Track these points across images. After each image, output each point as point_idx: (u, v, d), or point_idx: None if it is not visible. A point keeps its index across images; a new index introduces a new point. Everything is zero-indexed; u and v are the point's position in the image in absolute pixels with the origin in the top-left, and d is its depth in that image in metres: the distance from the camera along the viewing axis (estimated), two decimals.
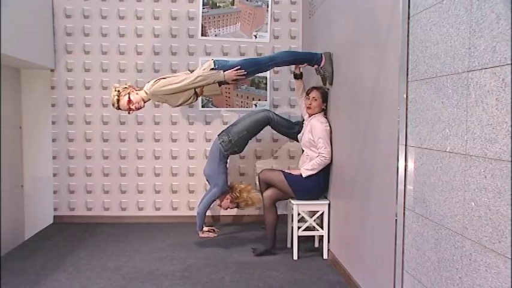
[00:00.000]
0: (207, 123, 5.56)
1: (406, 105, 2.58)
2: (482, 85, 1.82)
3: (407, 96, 2.57)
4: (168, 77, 4.08)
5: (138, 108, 4.05)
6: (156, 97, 4.03)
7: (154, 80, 4.05)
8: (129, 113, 4.09)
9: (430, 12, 2.29)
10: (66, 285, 3.56)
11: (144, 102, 4.07)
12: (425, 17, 2.34)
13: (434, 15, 2.24)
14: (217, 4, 5.55)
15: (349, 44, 3.69)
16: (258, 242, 4.60)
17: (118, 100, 3.98)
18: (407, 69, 2.57)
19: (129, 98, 3.97)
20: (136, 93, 4.03)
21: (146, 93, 4.02)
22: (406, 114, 2.57)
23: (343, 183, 3.80)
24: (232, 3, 5.57)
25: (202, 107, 5.54)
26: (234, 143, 4.68)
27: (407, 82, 2.57)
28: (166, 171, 5.58)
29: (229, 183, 4.82)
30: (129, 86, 4.07)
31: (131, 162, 5.56)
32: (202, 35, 5.55)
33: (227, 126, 4.98)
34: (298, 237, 4.13)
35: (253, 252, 4.27)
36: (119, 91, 3.99)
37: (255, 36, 5.58)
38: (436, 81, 2.22)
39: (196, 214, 4.83)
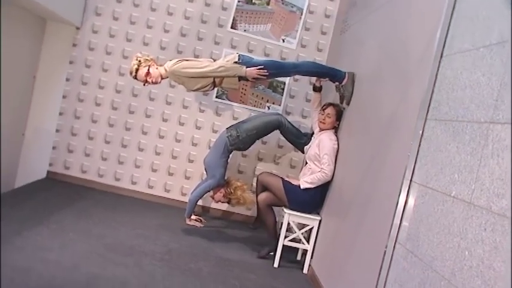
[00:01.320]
0: (218, 114, 5.57)
1: (420, 141, 2.58)
2: (501, 139, 1.83)
3: (422, 133, 2.58)
4: (191, 61, 4.10)
5: (154, 83, 4.08)
6: (174, 77, 4.05)
7: (177, 60, 4.07)
8: (144, 84, 4.12)
9: (464, 56, 2.30)
10: (47, 241, 3.56)
11: (162, 78, 4.10)
12: (458, 60, 2.35)
13: (468, 60, 2.25)
14: (253, 1, 5.56)
15: (374, 69, 3.69)
16: (243, 242, 4.61)
17: (137, 70, 4.02)
18: (429, 106, 2.58)
19: (148, 70, 4.00)
20: (156, 68, 4.06)
21: (166, 70, 4.05)
22: (418, 150, 2.58)
23: (339, 204, 3.80)
24: (268, 3, 5.57)
25: (216, 97, 5.54)
26: (241, 140, 4.68)
27: (425, 119, 2.58)
28: (167, 152, 5.58)
29: (226, 178, 4.81)
30: (151, 59, 4.10)
31: (135, 136, 5.56)
32: (231, 27, 5.55)
33: (237, 121, 4.97)
34: (283, 246, 4.13)
35: (258, 255, 4.29)
36: (140, 61, 4.03)
37: (283, 40, 5.58)
38: (455, 125, 2.22)
39: (187, 201, 4.83)
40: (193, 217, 4.78)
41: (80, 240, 3.75)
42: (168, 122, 5.56)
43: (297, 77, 5.43)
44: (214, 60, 4.18)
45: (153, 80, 4.07)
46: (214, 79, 4.06)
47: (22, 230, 3.65)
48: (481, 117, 2.02)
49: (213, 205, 5.50)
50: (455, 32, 2.46)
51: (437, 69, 2.57)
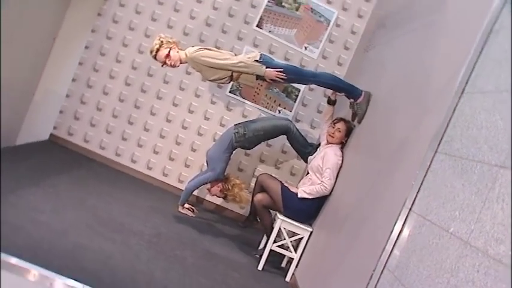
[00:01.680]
0: (228, 109, 5.57)
1: (426, 172, 2.58)
2: (510, 185, 1.83)
3: (430, 165, 2.58)
4: (213, 51, 4.11)
5: (172, 66, 4.11)
6: (193, 63, 4.07)
7: (199, 47, 4.09)
8: (162, 66, 4.16)
9: (485, 97, 2.30)
10: (40, 203, 3.56)
11: (181, 63, 4.13)
12: (478, 99, 2.35)
13: (488, 101, 2.25)
14: (283, 3, 5.56)
15: (392, 93, 3.69)
16: (231, 239, 4.62)
17: (158, 50, 4.05)
18: (441, 140, 2.58)
19: (168, 52, 4.04)
20: (177, 52, 4.09)
21: (186, 55, 4.07)
22: (423, 181, 2.58)
23: (333, 219, 3.81)
24: (297, 9, 5.57)
25: (230, 92, 5.55)
26: (247, 138, 4.68)
27: (436, 151, 2.58)
28: (171, 136, 5.58)
29: (226, 174, 4.82)
30: (174, 42, 4.13)
31: (143, 115, 5.56)
32: (257, 26, 5.55)
33: (246, 119, 4.98)
34: (270, 250, 4.14)
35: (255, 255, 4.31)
36: (162, 41, 4.06)
37: (305, 48, 5.58)
38: (465, 163, 2.22)
39: (184, 188, 4.83)
40: (186, 205, 4.79)
41: (72, 207, 3.76)
42: (178, 108, 5.57)
43: (312, 86, 5.43)
44: (235, 55, 4.20)
45: (172, 63, 4.09)
46: (232, 73, 4.07)
47: (17, 188, 3.66)
48: (492, 159, 2.02)
49: (208, 197, 5.51)
50: (480, 72, 2.46)
51: (456, 105, 2.56)
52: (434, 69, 3.07)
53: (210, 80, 4.18)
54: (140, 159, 5.60)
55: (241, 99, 5.56)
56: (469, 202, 2.05)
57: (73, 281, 2.48)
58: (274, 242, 4.13)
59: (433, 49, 3.26)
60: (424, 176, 2.58)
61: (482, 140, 2.17)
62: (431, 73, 3.09)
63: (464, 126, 2.38)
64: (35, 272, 2.46)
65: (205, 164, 5.05)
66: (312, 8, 5.57)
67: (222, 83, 4.26)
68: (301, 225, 4.11)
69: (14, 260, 2.44)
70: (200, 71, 4.14)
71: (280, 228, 4.11)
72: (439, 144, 2.58)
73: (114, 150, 5.58)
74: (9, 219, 3.05)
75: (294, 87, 5.52)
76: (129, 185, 5.13)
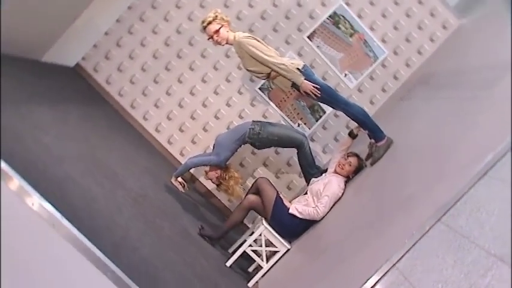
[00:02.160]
0: (252, 104, 5.58)
1: (422, 236, 2.58)
2: (502, 279, 1.84)
3: (428, 231, 2.58)
4: (261, 43, 4.11)
5: (217, 42, 4.15)
6: (238, 48, 4.08)
7: (249, 35, 4.10)
8: (208, 39, 4.19)
9: (504, 186, 2.30)
10: (47, 124, 3.57)
11: (226, 43, 4.16)
12: (497, 186, 2.35)
13: (506, 192, 2.25)
14: (340, 25, 5.57)
15: (412, 150, 3.70)
16: (211, 227, 4.62)
17: (210, 22, 4.08)
18: (447, 211, 2.58)
19: (219, 28, 4.06)
20: (227, 31, 4.12)
21: (234, 38, 4.09)
22: (416, 243, 2.58)
23: (313, 246, 3.82)
24: (351, 36, 5.57)
25: (259, 88, 5.56)
26: (260, 138, 4.67)
27: (438, 220, 2.57)
28: (189, 109, 5.59)
29: (227, 163, 4.82)
30: (227, 20, 4.15)
31: (170, 78, 5.57)
32: (308, 37, 5.56)
33: (265, 120, 4.99)
34: (244, 252, 4.14)
35: (199, 229, 4.27)
36: (216, 16, 4.09)
37: (345, 75, 5.60)
38: (464, 242, 2.23)
39: (183, 162, 4.84)
40: (179, 179, 4.76)
41: (75, 140, 3.77)
42: (205, 84, 5.58)
43: (339, 112, 5.43)
44: (280, 56, 4.22)
45: (219, 40, 4.12)
46: (271, 71, 4.08)
47: (29, 102, 3.67)
48: (492, 249, 2.02)
49: (202, 179, 5.52)
50: (508, 162, 2.47)
51: (474, 184, 2.57)
52: (462, 143, 3.07)
53: (247, 70, 4.20)
54: (152, 119, 5.60)
55: (267, 99, 5.57)
56: (456, 280, 2.05)
57: (52, 207, 2.49)
58: (250, 246, 4.13)
59: (467, 124, 3.25)
60: (419, 239, 2.58)
61: (488, 227, 2.17)
62: (458, 146, 3.09)
63: (475, 207, 2.39)
64: (17, 182, 2.47)
65: (211, 147, 5.06)
66: (365, 40, 5.57)
67: (258, 77, 4.27)
68: (281, 240, 4.11)
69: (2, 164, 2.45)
70: (242, 57, 4.15)
71: (260, 234, 4.12)
72: (444, 214, 2.58)
73: (131, 102, 5.59)
74: (13, 129, 3.06)
75: (321, 107, 5.53)
76: (134, 139, 5.15)
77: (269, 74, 4.12)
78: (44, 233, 2.49)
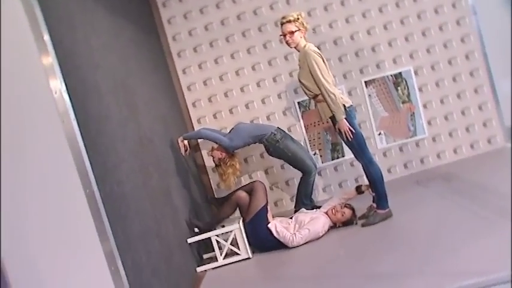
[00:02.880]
0: (284, 112, 5.58)
1: None
2: None
3: None
4: (325, 65, 4.08)
5: (287, 43, 4.16)
6: (303, 57, 4.06)
7: (319, 52, 4.07)
8: (280, 35, 4.18)
9: None
10: (95, 35, 3.46)
11: (295, 47, 4.13)
12: None
13: None
14: (399, 87, 5.55)
15: (405, 232, 3.71)
16: (192, 201, 4.65)
17: (289, 21, 4.06)
18: None
19: (295, 31, 4.04)
20: (301, 37, 4.10)
21: (304, 46, 4.07)
22: None
23: (272, 267, 3.87)
24: (403, 102, 5.57)
25: (298, 103, 5.55)
26: (275, 146, 4.70)
27: None
28: (225, 85, 5.58)
29: (236, 152, 4.82)
30: (306, 28, 4.13)
31: (224, 49, 5.55)
32: (365, 82, 5.54)
33: (287, 132, 4.97)
34: (209, 238, 4.15)
35: (189, 218, 4.29)
36: (298, 19, 4.09)
37: (379, 134, 5.59)
38: None
39: (196, 130, 4.85)
40: (185, 142, 4.76)
41: (117, 56, 3.74)
42: (253, 72, 5.58)
43: (355, 163, 5.42)
44: (335, 85, 4.19)
45: (289, 41, 4.11)
46: (319, 94, 4.06)
47: (97, 1, 3.62)
48: None
49: (205, 154, 5.54)
50: None
51: None
52: (454, 254, 3.08)
53: (300, 81, 4.18)
54: (190, 76, 5.58)
55: (299, 116, 5.57)
56: None
57: (69, 103, 2.47)
58: (217, 236, 4.14)
59: (468, 240, 3.23)
60: None
61: None
62: (450, 255, 3.08)
63: None
64: (50, 60, 2.42)
65: (227, 129, 5.07)
66: (413, 113, 5.57)
67: (305, 93, 4.24)
68: (247, 246, 4.12)
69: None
70: (301, 68, 4.14)
71: (231, 231, 4.12)
72: None
73: (180, 50, 5.56)
74: (73, 16, 3.04)
75: (343, 149, 5.53)
76: (165, 85, 5.10)
77: (317, 95, 4.11)
78: (52, 123, 2.47)
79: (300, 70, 4.19)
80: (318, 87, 4.03)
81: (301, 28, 4.09)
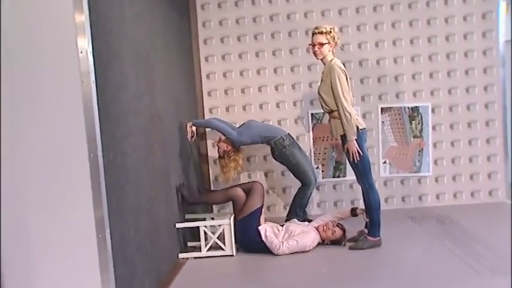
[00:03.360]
0: (295, 121, 5.58)
1: None
2: None
3: None
4: (347, 82, 4.06)
5: (314, 53, 4.14)
6: (327, 71, 4.04)
7: (344, 69, 4.05)
8: (309, 45, 4.18)
9: None
10: (128, 3, 3.51)
11: (321, 59, 4.12)
12: None
13: None
14: (413, 121, 5.54)
15: (390, 264, 3.70)
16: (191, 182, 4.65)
17: (321, 33, 4.05)
18: None
19: (323, 43, 4.02)
20: (329, 50, 4.08)
21: (331, 60, 4.05)
22: None
23: (252, 270, 3.87)
24: (415, 137, 5.57)
25: (312, 114, 5.55)
26: (281, 150, 4.73)
27: None
28: (245, 82, 5.58)
29: (242, 147, 4.84)
30: (336, 42, 4.11)
31: (251, 45, 5.56)
32: (381, 108, 5.53)
33: (296, 141, 4.95)
34: (197, 227, 4.17)
35: (180, 184, 4.30)
36: (330, 32, 4.07)
37: (384, 162, 5.58)
38: None
39: (207, 118, 4.84)
40: (194, 128, 4.76)
41: (146, 28, 3.74)
42: (274, 75, 5.58)
43: (355, 186, 5.40)
44: (352, 106, 4.16)
45: (317, 52, 4.09)
46: (335, 110, 4.04)
47: None
48: None
49: (209, 145, 5.57)
50: None
51: None
52: None
53: (319, 93, 4.16)
54: (211, 65, 5.58)
55: (310, 127, 5.57)
56: None
57: (92, 65, 2.46)
58: (205, 227, 4.14)
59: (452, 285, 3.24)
60: None
61: None
62: None
63: None
64: (83, 19, 2.40)
65: (237, 124, 5.08)
66: (422, 149, 5.57)
67: (322, 106, 4.21)
68: (233, 244, 4.12)
69: None
70: (323, 81, 4.12)
71: (220, 225, 4.13)
72: None
73: (206, 38, 5.57)
74: None
75: (346, 169, 5.53)
76: (185, 69, 5.09)
77: (333, 111, 4.09)
78: (72, 81, 2.47)
79: (321, 83, 4.17)
80: (336, 103, 4.01)
81: (331, 42, 4.08)
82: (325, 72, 4.12)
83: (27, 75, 2.44)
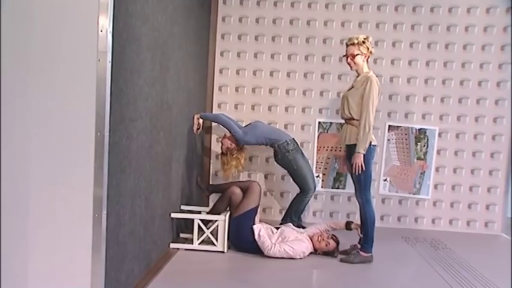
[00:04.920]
0: (302, 127, 5.58)
1: None
2: None
3: None
4: (378, 96, 4.02)
5: (348, 64, 4.11)
6: (363, 80, 3.98)
7: (379, 85, 4.02)
8: (343, 56, 4.15)
9: None
10: None
11: (355, 70, 4.10)
12: None
13: None
14: (419, 143, 5.53)
15: (378, 281, 3.69)
16: (189, 179, 4.62)
17: (354, 44, 4.02)
18: None
19: (357, 54, 3.99)
20: (363, 61, 4.05)
21: (366, 72, 4.05)
22: None
23: (241, 268, 3.85)
24: (418, 158, 5.56)
25: (321, 122, 5.53)
26: (284, 155, 4.74)
27: None
28: (257, 82, 5.59)
29: (246, 147, 4.85)
30: (371, 52, 4.06)
31: (267, 46, 5.57)
32: (389, 126, 5.53)
33: (300, 147, 4.95)
34: (192, 220, 4.18)
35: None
36: (364, 42, 4.02)
37: (384, 180, 5.57)
38: None
39: (216, 113, 4.85)
40: (200, 121, 4.76)
41: (166, 16, 3.74)
42: (287, 78, 5.58)
43: (353, 199, 5.39)
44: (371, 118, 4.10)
45: (350, 64, 4.07)
46: (355, 119, 4.00)
47: None
48: None
49: (214, 140, 5.58)
50: None
51: None
52: None
53: (345, 98, 4.08)
54: (225, 61, 5.59)
55: (315, 135, 5.56)
56: None
57: (110, 44, 2.46)
58: (200, 220, 4.14)
59: None
60: None
61: None
62: None
63: None
64: (107, 2, 2.43)
65: (244, 124, 5.07)
66: (424, 172, 5.56)
67: (343, 111, 4.10)
68: (225, 241, 4.13)
69: None
70: (355, 87, 4.03)
71: (215, 221, 4.12)
72: None
73: (224, 33, 5.58)
74: None
75: (346, 181, 5.53)
76: (199, 62, 5.08)
77: (353, 119, 4.04)
78: (89, 58, 2.47)
79: (352, 89, 4.08)
80: (362, 112, 3.95)
81: (364, 52, 4.03)
82: (359, 81, 4.04)
83: (46, 46, 2.45)
